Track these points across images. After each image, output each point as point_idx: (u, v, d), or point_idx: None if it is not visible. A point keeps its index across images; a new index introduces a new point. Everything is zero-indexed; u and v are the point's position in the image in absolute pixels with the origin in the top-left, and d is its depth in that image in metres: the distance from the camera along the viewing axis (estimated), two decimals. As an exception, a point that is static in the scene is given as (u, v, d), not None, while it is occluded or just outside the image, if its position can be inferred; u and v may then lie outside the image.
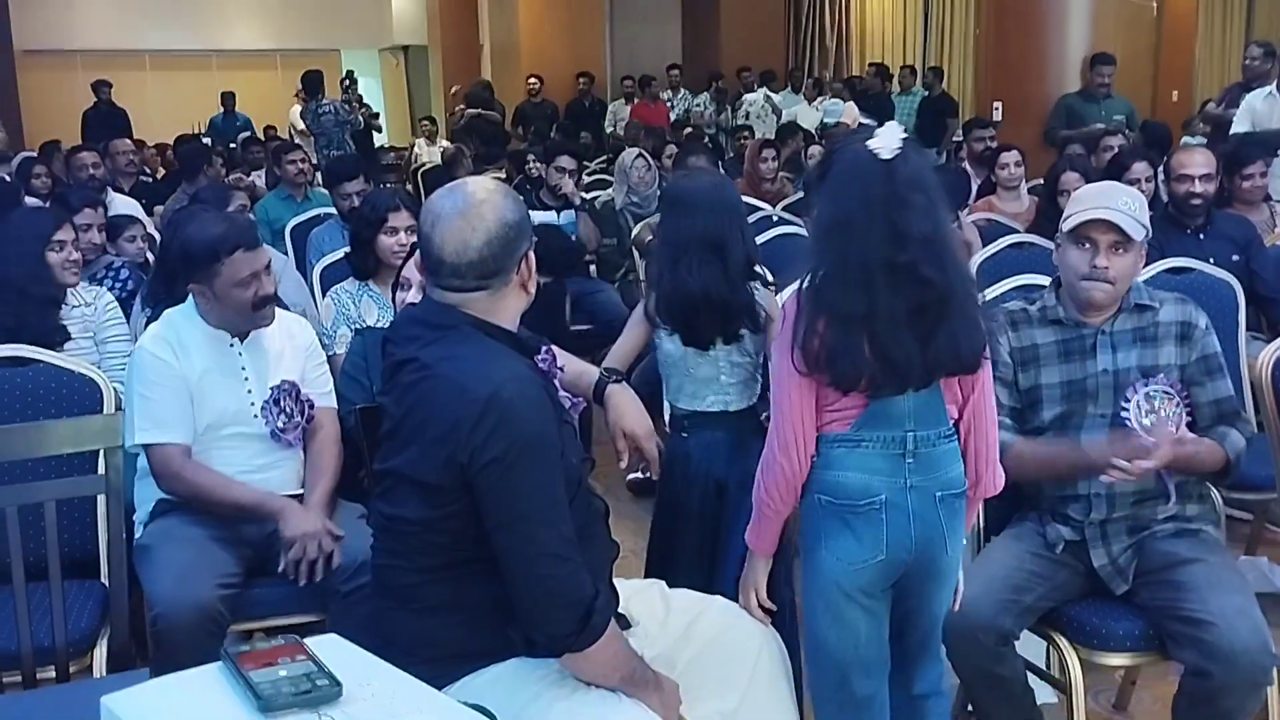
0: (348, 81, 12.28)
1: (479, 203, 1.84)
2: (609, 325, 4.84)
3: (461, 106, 11.80)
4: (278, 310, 2.81)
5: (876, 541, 2.01)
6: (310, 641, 1.41)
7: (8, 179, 6.15)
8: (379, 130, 12.42)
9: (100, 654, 2.38)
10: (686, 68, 12.81)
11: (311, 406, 2.83)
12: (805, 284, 2.00)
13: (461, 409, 1.74)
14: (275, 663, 1.32)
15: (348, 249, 3.87)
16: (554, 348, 2.00)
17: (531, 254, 1.90)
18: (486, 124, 10.98)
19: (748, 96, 11.46)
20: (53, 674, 2.19)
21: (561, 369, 2.01)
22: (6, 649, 2.10)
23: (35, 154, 8.87)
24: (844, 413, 2.02)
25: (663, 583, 2.24)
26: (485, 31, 14.92)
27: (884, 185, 1.91)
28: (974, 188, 6.06)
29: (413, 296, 3.01)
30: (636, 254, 5.45)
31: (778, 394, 2.05)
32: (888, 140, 1.92)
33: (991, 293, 3.16)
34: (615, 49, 13.37)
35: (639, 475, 3.24)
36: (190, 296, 2.72)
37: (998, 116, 7.75)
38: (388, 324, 3.26)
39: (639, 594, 2.14)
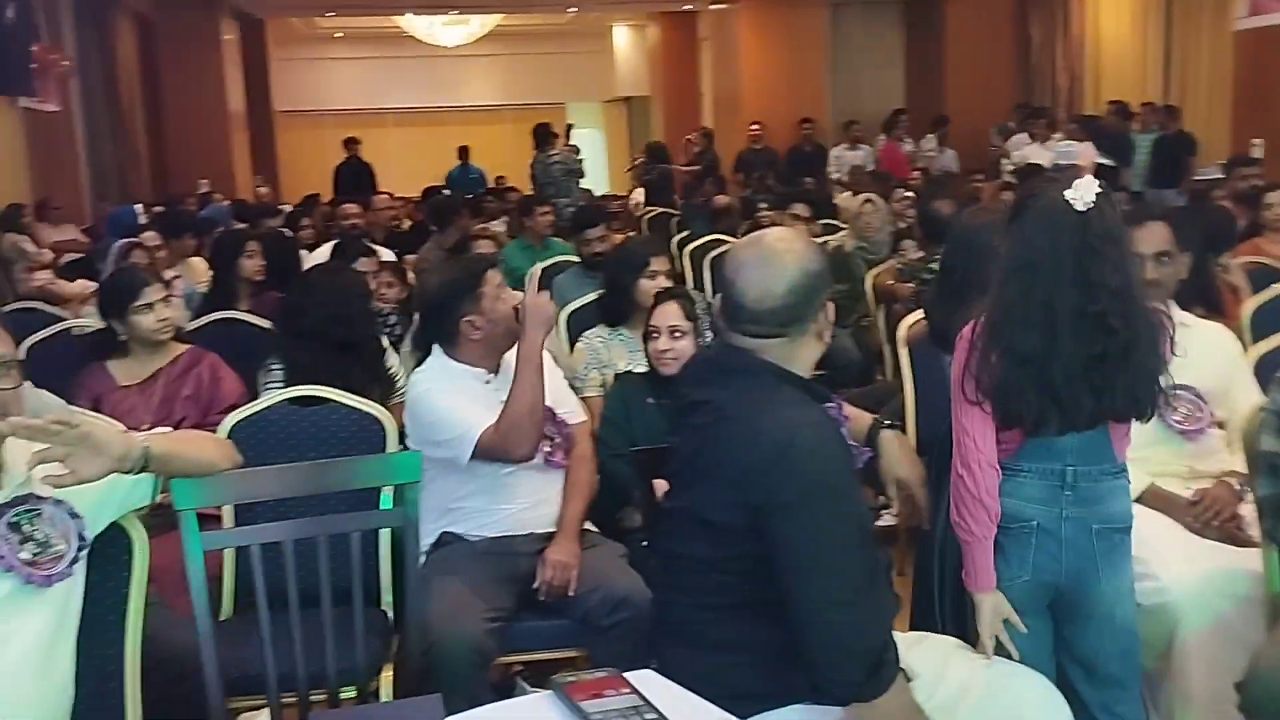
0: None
1: (783, 251, 1.88)
2: (842, 370, 4.82)
3: (641, 159, 12.86)
4: None
5: (1023, 562, 2.09)
6: (628, 675, 1.46)
7: (287, 232, 6.65)
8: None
9: (386, 678, 2.53)
10: (910, 111, 12.66)
11: (566, 425, 2.94)
12: (985, 317, 2.07)
13: (756, 451, 1.78)
14: (602, 694, 1.37)
15: (594, 294, 3.99)
16: (838, 397, 2.02)
17: (830, 304, 1.93)
18: (659, 176, 11.92)
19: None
20: (354, 694, 2.34)
21: (847, 419, 2.02)
22: (318, 670, 2.25)
23: (294, 207, 9.60)
24: (1006, 445, 2.09)
25: (937, 635, 2.21)
26: (707, 81, 15.18)
27: (1077, 235, 1.98)
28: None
29: (662, 344, 3.10)
30: (872, 298, 5.41)
31: (955, 417, 2.11)
32: (1084, 193, 1.98)
33: (1266, 347, 2.99)
34: (836, 94, 13.34)
35: (886, 522, 3.19)
36: (435, 348, 2.87)
37: (1258, 154, 7.30)
38: (638, 369, 3.35)
39: (914, 646, 2.11)
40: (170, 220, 6.85)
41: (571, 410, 2.99)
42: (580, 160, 11.08)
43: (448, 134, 16.38)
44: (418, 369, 2.92)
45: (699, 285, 5.90)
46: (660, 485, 2.27)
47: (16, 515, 1.83)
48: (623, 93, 18.71)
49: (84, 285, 7.83)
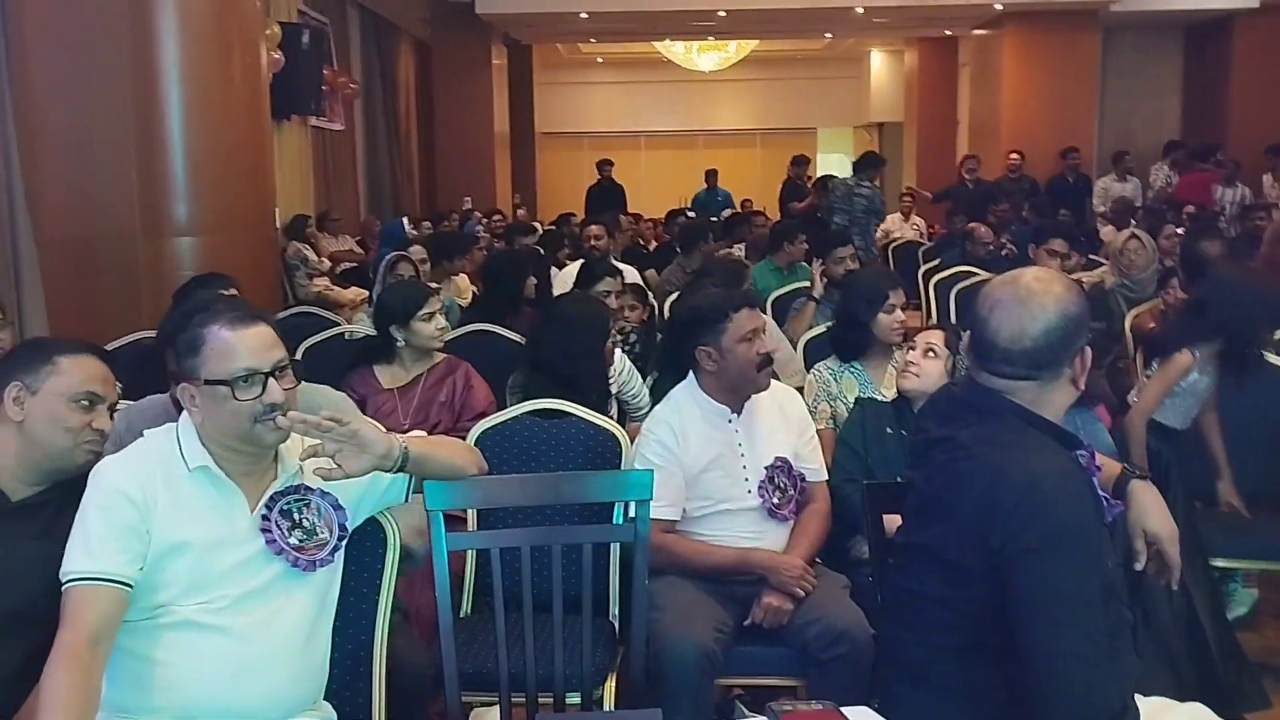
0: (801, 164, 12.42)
1: (1041, 292, 1.83)
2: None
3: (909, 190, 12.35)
4: (772, 380, 2.93)
5: None
6: (846, 710, 1.45)
7: (540, 250, 6.94)
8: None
9: (610, 687, 2.59)
10: (1186, 141, 11.89)
11: (803, 479, 2.92)
12: None
13: (999, 493, 1.73)
14: (820, 727, 1.38)
15: (830, 324, 3.95)
16: (1091, 447, 1.93)
17: (1087, 349, 1.86)
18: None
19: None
20: (578, 699, 2.41)
21: (1098, 468, 1.93)
22: (546, 673, 2.34)
23: (548, 225, 10.00)
24: None
25: (1186, 704, 2.07)
26: (964, 107, 14.78)
27: None
28: None
29: (913, 355, 3.05)
30: (1130, 339, 5.12)
31: None
32: None
33: None
34: (1105, 122, 12.70)
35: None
36: (691, 374, 2.90)
37: None
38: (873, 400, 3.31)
39: (1161, 715, 1.99)
40: (438, 240, 7.26)
41: (814, 468, 2.95)
42: (884, 201, 9.37)
43: (696, 157, 16.68)
44: (666, 398, 2.95)
45: (944, 317, 5.75)
46: (892, 521, 2.23)
47: (288, 503, 2.00)
48: (875, 118, 18.48)
49: (356, 292, 8.45)
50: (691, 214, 10.56)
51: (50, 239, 5.52)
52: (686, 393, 2.91)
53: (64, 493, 2.04)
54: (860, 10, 12.47)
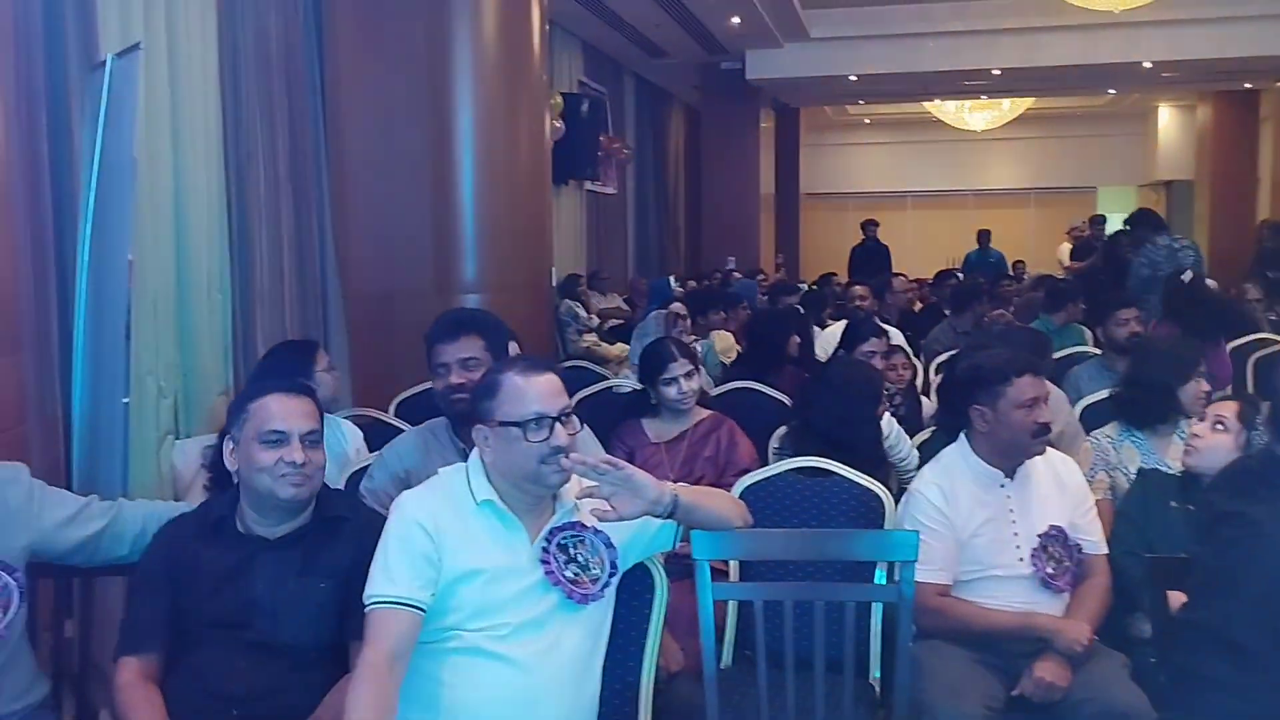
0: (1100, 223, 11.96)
1: None
2: None
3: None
4: (1048, 447, 2.84)
5: None
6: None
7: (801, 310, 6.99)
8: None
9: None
10: None
11: (1080, 550, 2.80)
12: None
13: None
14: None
15: (1112, 390, 3.77)
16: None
17: None
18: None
19: None
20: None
21: None
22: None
23: (810, 286, 10.03)
24: None
25: None
26: (1266, 164, 13.77)
27: None
28: None
29: (1199, 428, 2.87)
30: None
31: None
32: None
33: None
34: None
35: None
36: (963, 434, 2.86)
37: None
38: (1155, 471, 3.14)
39: None
40: (698, 296, 7.43)
41: (1094, 540, 2.83)
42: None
43: (965, 217, 16.28)
44: (936, 459, 2.91)
45: (1239, 388, 5.35)
46: (1176, 598, 2.12)
47: (565, 538, 2.12)
48: (1161, 176, 17.47)
49: (622, 348, 8.76)
50: (961, 275, 10.32)
51: (355, 292, 6.05)
52: (957, 454, 2.86)
53: (315, 529, 2.24)
54: (1148, 65, 11.90)
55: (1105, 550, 2.84)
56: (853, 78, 12.49)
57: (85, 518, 2.30)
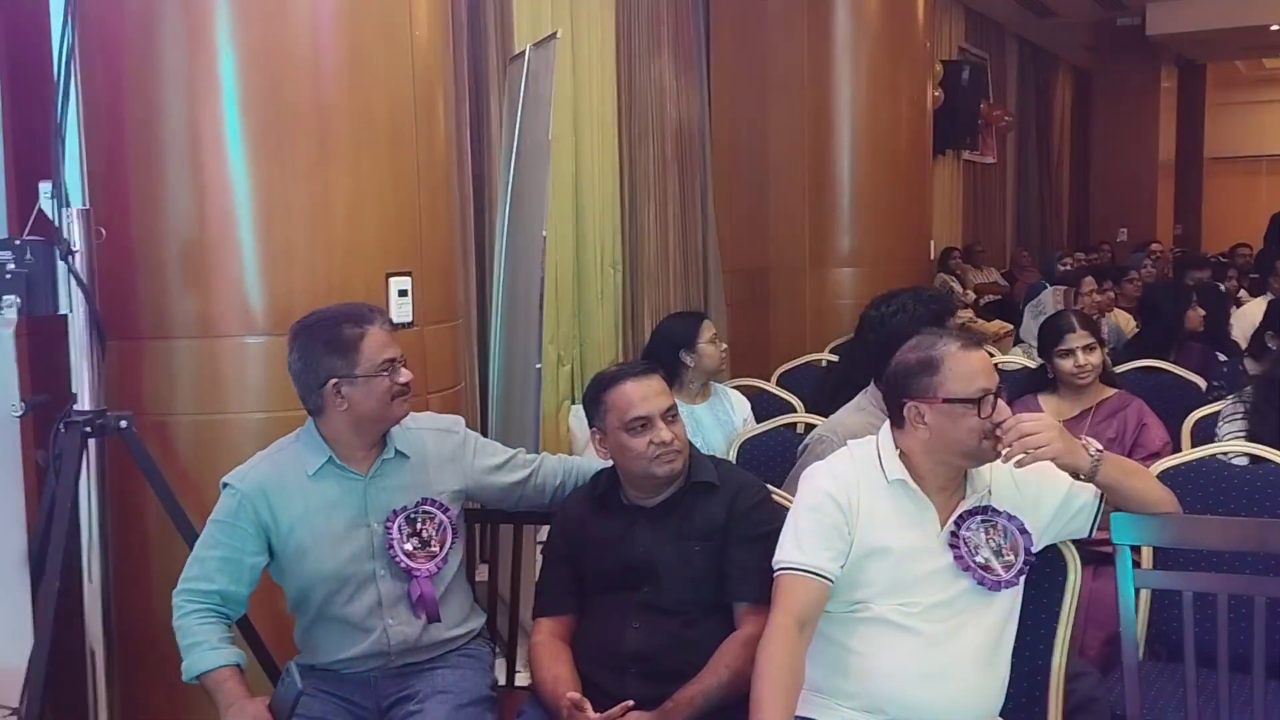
0: None
1: None
2: None
3: None
4: None
5: None
6: None
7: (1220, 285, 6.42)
8: None
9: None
10: None
11: None
12: None
13: None
14: None
15: None
16: None
17: None
18: None
19: None
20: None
21: None
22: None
23: (1219, 257, 9.15)
24: None
25: None
26: None
27: None
28: None
29: None
30: None
31: None
32: None
33: None
34: None
35: None
36: None
37: None
38: None
39: None
40: (1103, 268, 6.99)
41: None
42: None
43: None
44: None
45: None
46: None
47: (977, 523, 2.05)
48: None
49: (1000, 325, 8.38)
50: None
51: (733, 269, 6.20)
52: None
53: (688, 496, 2.27)
54: None
55: None
56: (1275, 27, 11.18)
57: (512, 466, 2.48)
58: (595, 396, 2.35)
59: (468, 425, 2.51)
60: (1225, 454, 2.80)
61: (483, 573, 2.98)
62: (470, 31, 4.38)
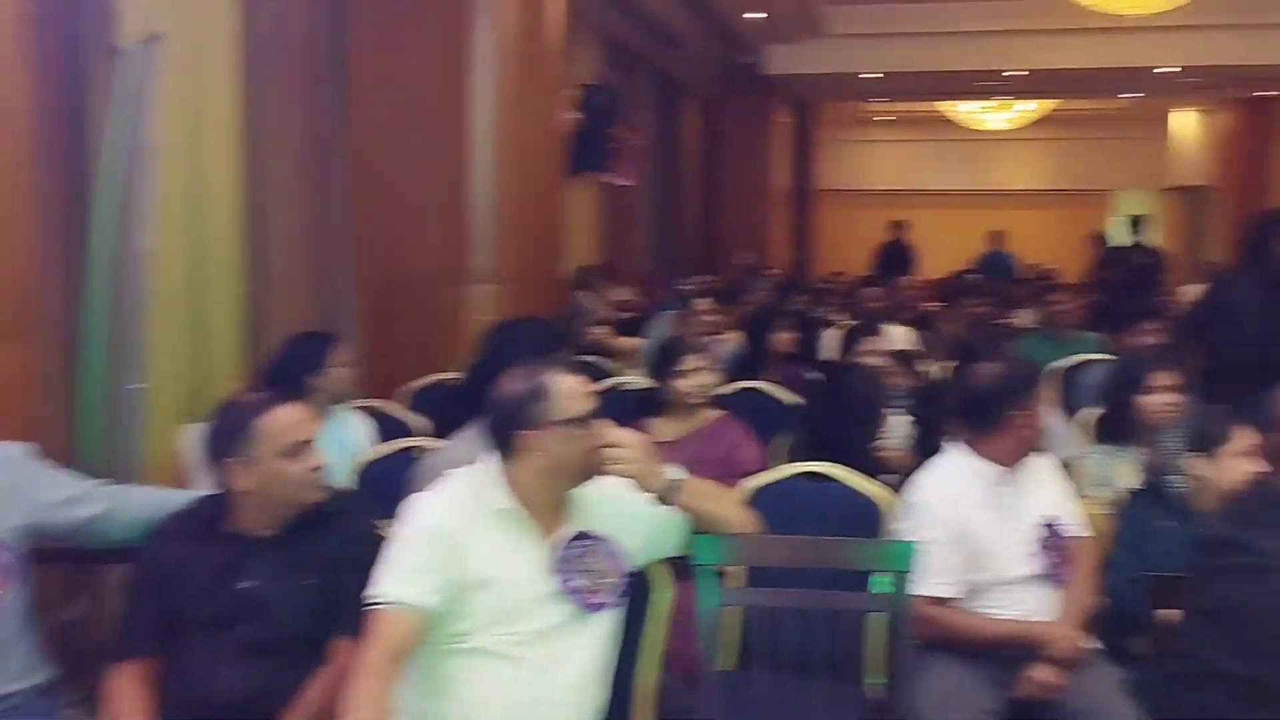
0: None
1: None
2: None
3: None
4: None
5: None
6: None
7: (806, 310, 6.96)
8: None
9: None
10: None
11: (1070, 537, 2.82)
12: None
13: None
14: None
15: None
16: None
17: None
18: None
19: None
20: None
21: None
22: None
23: (820, 284, 10.00)
24: None
25: None
26: (1277, 172, 13.70)
27: None
28: None
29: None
30: None
31: None
32: None
33: None
34: None
35: None
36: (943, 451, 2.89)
37: None
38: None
39: None
40: (722, 291, 7.43)
41: (1077, 525, 2.86)
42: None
43: (981, 217, 16.20)
44: (927, 469, 2.92)
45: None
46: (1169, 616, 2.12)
47: (576, 547, 2.13)
48: (1176, 181, 17.35)
49: (633, 342, 8.73)
50: (977, 276, 10.27)
51: (366, 280, 6.07)
52: (951, 464, 2.87)
53: (305, 525, 2.24)
54: (1167, 70, 11.83)
55: (1088, 532, 2.86)
56: (872, 75, 12.42)
57: (85, 500, 2.31)
58: (239, 424, 2.21)
59: (52, 452, 2.30)
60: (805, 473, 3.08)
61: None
62: (66, 20, 4.01)
